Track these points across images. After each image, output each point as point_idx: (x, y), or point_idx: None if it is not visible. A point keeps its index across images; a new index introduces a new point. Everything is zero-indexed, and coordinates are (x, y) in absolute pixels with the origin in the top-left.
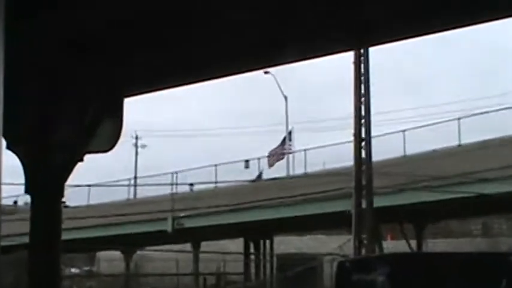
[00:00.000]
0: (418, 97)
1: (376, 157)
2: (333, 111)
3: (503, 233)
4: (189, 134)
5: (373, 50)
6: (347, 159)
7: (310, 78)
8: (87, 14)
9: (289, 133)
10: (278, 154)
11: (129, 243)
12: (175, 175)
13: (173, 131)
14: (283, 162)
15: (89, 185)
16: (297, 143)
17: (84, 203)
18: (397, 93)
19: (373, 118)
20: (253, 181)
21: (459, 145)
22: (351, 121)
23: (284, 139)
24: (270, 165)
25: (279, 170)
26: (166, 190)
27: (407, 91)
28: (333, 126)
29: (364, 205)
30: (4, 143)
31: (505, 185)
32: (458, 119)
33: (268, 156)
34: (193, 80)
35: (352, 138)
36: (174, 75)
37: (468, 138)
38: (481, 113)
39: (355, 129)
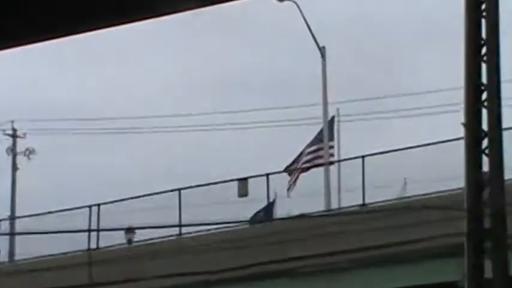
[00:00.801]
0: None
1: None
2: (417, 80)
3: None
4: (125, 127)
5: None
6: (451, 176)
7: (366, 17)
8: None
9: (331, 121)
10: (303, 169)
11: None
12: (95, 211)
13: (92, 121)
14: (318, 180)
15: None
16: (346, 142)
17: None
18: None
19: (505, 90)
20: (255, 221)
21: None
22: (458, 97)
23: (319, 134)
24: (291, 186)
25: (309, 198)
26: (79, 242)
27: None
28: (418, 109)
29: (489, 272)
30: None
31: None
32: None
33: (289, 173)
34: (114, 21)
35: (461, 132)
36: (78, 13)
37: None
38: None
39: (468, 114)
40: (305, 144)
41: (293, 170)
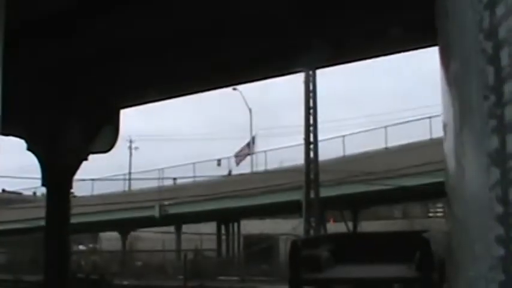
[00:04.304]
0: (355, 108)
1: (322, 157)
2: (287, 121)
3: (418, 216)
4: (173, 138)
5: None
6: (299, 159)
7: (269, 95)
8: (88, 43)
9: (253, 138)
10: (244, 155)
11: (124, 226)
12: (161, 171)
13: (160, 136)
14: (247, 161)
15: (92, 179)
16: (260, 146)
17: (88, 193)
18: (337, 105)
19: (319, 125)
20: (224, 176)
21: (386, 148)
22: (302, 128)
23: (249, 143)
24: (237, 163)
25: (244, 168)
26: (154, 183)
27: (346, 104)
28: (287, 133)
29: (312, 195)
30: (25, 145)
31: (421, 178)
32: (385, 126)
33: (235, 156)
34: (180, 94)
35: (303, 142)
36: (162, 91)
37: (393, 142)
38: (403, 122)
39: (305, 134)
40: (242, 145)
41: (237, 156)
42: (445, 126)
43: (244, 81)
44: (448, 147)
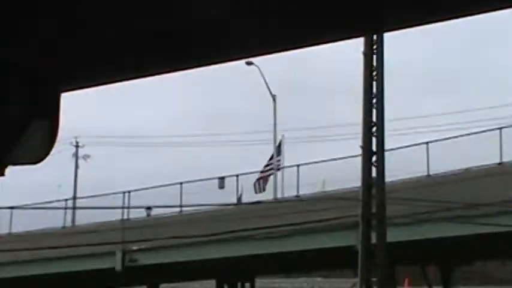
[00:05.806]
0: (450, 99)
1: (390, 177)
2: (335, 117)
3: None
4: (148, 143)
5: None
6: (353, 179)
7: (304, 76)
8: None
9: (279, 145)
10: (267, 174)
11: (63, 286)
12: (127, 195)
13: (127, 139)
14: (269, 181)
15: (11, 207)
16: (288, 157)
17: (5, 230)
18: (422, 94)
19: (387, 125)
20: (231, 205)
21: (500, 163)
22: (359, 129)
23: (272, 155)
24: (259, 190)
25: (267, 192)
26: (115, 215)
27: (436, 92)
28: (334, 136)
29: (374, 239)
30: None
31: None
32: (500, 128)
33: (258, 179)
34: (155, 71)
35: (359, 151)
36: (128, 65)
37: None
38: None
39: (364, 140)
40: (262, 157)
41: (261, 177)
42: None
43: (261, 53)
44: None
